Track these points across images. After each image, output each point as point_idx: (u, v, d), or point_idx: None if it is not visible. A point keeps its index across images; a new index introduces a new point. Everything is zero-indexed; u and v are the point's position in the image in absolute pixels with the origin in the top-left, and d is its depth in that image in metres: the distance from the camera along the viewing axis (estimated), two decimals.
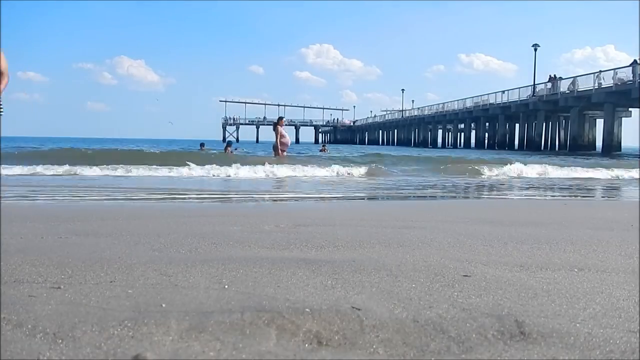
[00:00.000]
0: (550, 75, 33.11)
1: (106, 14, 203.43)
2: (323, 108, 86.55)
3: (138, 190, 6.86)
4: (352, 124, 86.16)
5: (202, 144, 19.86)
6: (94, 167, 10.58)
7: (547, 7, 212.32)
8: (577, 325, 1.49)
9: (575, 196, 7.62)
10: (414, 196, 7.24)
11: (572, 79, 31.26)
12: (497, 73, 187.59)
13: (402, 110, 67.55)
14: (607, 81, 27.19)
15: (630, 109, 30.96)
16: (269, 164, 11.67)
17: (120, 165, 10.84)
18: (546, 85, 33.33)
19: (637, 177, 11.05)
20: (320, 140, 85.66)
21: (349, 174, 11.22)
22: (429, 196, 7.33)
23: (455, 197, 7.34)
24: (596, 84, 27.80)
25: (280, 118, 15.65)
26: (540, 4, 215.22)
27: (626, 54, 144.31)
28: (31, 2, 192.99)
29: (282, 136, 14.44)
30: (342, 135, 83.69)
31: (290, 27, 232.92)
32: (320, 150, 23.14)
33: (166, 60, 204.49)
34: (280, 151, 14.36)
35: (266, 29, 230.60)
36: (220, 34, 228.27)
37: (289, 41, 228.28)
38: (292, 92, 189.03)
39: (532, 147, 32.69)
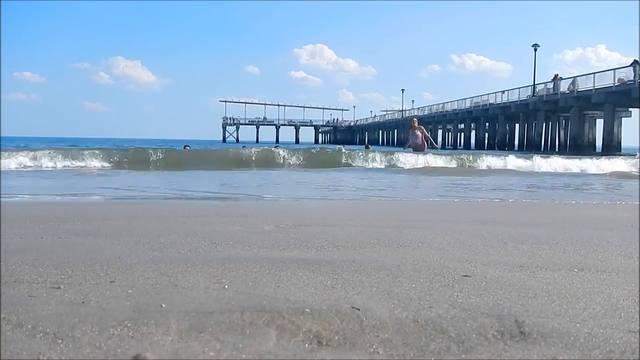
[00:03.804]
0: (555, 75, 33.03)
1: (102, 15, 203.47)
2: (323, 108, 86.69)
3: None
4: (352, 124, 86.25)
5: (186, 146, 17.23)
6: None
7: (538, 9, 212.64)
8: (577, 325, 1.49)
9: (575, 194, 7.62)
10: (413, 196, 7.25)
11: (572, 79, 31.26)
12: (492, 73, 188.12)
13: (402, 110, 67.57)
14: (607, 81, 27.20)
15: (630, 109, 30.95)
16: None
17: None
18: (546, 85, 33.31)
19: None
20: (320, 141, 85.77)
21: None
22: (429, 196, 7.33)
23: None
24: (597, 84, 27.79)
25: (411, 118, 15.37)
26: (531, 6, 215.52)
27: (619, 54, 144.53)
28: (27, 3, 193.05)
29: (414, 137, 14.18)
30: (342, 135, 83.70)
31: (284, 27, 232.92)
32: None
33: (162, 61, 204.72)
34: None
35: (261, 29, 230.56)
36: (215, 35, 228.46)
37: (283, 41, 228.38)
38: (289, 91, 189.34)
39: (532, 147, 32.65)
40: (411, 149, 14.51)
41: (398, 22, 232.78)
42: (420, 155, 13.90)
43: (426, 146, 14.48)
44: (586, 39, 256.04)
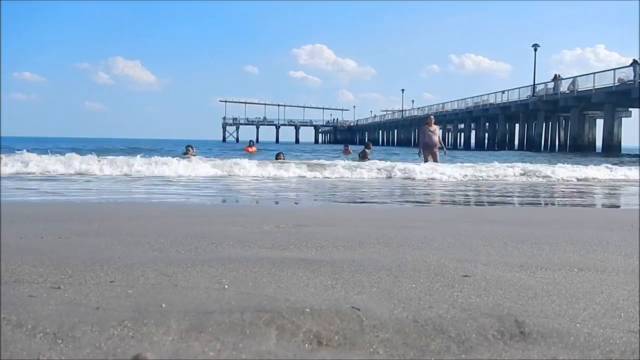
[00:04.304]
0: (555, 75, 33.05)
1: (101, 15, 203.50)
2: (323, 108, 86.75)
3: None
4: (352, 124, 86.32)
5: (188, 147, 15.39)
6: None
7: (536, 9, 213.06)
8: (577, 325, 1.49)
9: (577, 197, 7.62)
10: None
11: (572, 79, 31.28)
12: (491, 73, 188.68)
13: (402, 110, 67.60)
14: (607, 81, 27.23)
15: (630, 109, 30.96)
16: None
17: None
18: (546, 85, 33.33)
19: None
20: (320, 141, 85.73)
21: None
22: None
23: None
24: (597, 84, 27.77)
25: (428, 116, 14.24)
26: (529, 6, 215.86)
27: (618, 54, 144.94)
28: (27, 3, 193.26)
29: (426, 136, 13.12)
30: (342, 135, 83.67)
31: (283, 27, 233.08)
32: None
33: (162, 61, 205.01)
34: (424, 153, 13.13)
35: (259, 29, 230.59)
36: (213, 34, 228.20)
37: (282, 41, 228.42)
38: (289, 91, 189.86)
39: (532, 147, 32.69)
40: (421, 151, 13.60)
41: (396, 22, 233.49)
42: (431, 159, 12.96)
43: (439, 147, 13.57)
44: (585, 39, 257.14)
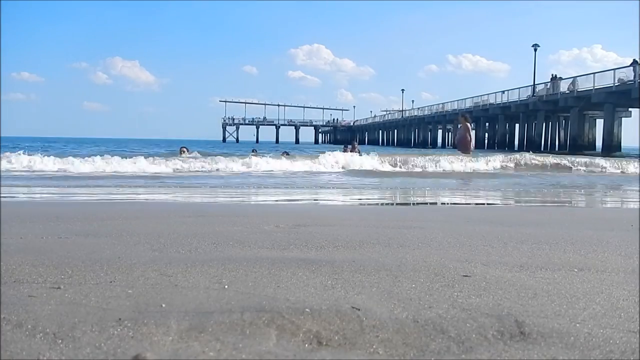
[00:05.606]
0: (552, 75, 33.11)
1: (100, 15, 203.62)
2: (323, 108, 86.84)
3: None
4: (352, 124, 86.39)
5: (183, 147, 16.06)
6: None
7: (533, 9, 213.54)
8: (577, 325, 1.49)
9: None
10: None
11: (571, 79, 31.30)
12: (489, 73, 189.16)
13: (402, 111, 67.62)
14: (607, 81, 27.24)
15: (630, 109, 30.97)
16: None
17: None
18: (546, 85, 33.35)
19: None
20: (320, 141, 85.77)
21: None
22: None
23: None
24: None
25: (464, 112, 14.66)
26: (526, 6, 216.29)
27: (615, 54, 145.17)
28: (26, 3, 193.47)
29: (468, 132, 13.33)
30: (342, 136, 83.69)
31: (280, 27, 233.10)
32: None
33: (160, 62, 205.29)
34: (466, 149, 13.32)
35: (256, 29, 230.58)
36: (210, 35, 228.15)
37: (279, 41, 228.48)
38: (288, 91, 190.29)
39: (532, 147, 32.67)
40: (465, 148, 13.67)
41: (394, 22, 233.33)
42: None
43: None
44: (582, 40, 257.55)
